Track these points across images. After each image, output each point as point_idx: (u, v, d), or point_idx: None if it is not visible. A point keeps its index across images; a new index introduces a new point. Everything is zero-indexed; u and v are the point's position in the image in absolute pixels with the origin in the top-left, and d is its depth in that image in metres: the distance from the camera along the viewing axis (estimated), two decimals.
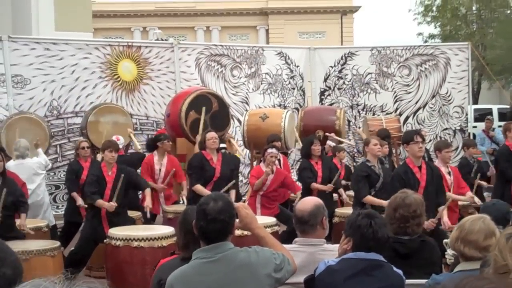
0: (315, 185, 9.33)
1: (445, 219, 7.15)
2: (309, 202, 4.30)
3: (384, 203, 7.36)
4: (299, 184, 9.98)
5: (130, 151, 11.05)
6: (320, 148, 9.75)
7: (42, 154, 9.62)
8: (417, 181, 7.23)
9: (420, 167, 7.34)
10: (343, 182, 10.17)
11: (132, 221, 8.22)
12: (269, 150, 9.25)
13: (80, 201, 9.02)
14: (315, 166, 9.52)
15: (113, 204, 7.73)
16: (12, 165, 8.82)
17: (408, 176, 7.25)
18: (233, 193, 8.86)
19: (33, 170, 9.20)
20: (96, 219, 7.95)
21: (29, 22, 16.67)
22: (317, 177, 9.45)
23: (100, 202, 7.83)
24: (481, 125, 25.57)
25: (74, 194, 9.25)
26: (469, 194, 8.41)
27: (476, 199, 8.41)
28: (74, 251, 8.20)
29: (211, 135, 8.89)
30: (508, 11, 38.81)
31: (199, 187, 8.55)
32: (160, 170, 9.56)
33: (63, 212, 10.12)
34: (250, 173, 9.90)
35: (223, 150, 9.85)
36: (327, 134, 11.53)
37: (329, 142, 11.19)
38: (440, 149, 8.40)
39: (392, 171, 8.49)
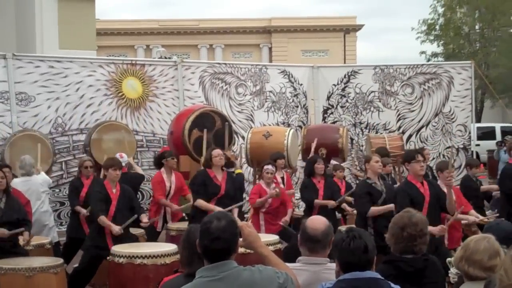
0: (317, 201, 9.33)
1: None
2: (322, 221, 4.29)
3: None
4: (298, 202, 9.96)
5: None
6: (323, 166, 9.74)
7: (43, 174, 9.63)
8: (421, 195, 7.28)
9: (422, 183, 7.40)
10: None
11: (135, 238, 8.22)
12: (266, 167, 9.29)
13: (84, 211, 9.04)
14: (317, 185, 9.51)
15: (118, 231, 7.72)
16: (18, 182, 8.84)
17: (413, 191, 7.29)
18: (235, 211, 8.85)
19: (39, 187, 9.21)
20: (99, 236, 7.94)
21: (33, 40, 16.79)
22: (318, 195, 9.44)
23: (103, 219, 7.81)
24: (484, 144, 25.72)
25: (77, 207, 9.29)
26: (473, 212, 8.44)
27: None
28: (78, 268, 8.19)
29: (217, 152, 8.86)
30: (511, 30, 38.94)
31: (201, 202, 8.53)
32: (170, 187, 9.59)
33: (66, 229, 10.13)
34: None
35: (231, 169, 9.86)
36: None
37: (332, 161, 11.17)
38: (442, 169, 8.39)
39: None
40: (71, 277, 7.90)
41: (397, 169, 11.56)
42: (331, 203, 9.31)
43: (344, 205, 9.71)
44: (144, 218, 8.16)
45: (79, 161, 9.90)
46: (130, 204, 8.08)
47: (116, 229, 7.73)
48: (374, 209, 7.60)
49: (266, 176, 9.26)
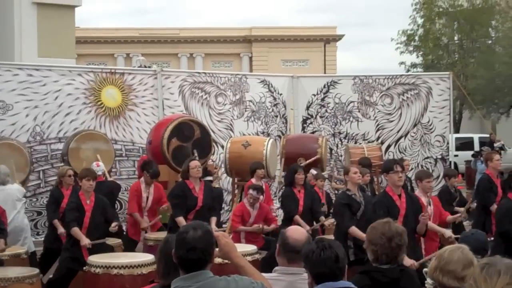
0: (298, 219, 9.24)
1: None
2: (303, 232, 4.31)
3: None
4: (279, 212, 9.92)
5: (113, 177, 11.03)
6: (304, 177, 9.74)
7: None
8: (397, 209, 7.28)
9: (399, 196, 7.40)
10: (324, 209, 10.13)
11: (111, 249, 8.17)
12: (250, 192, 9.26)
13: (61, 229, 9.00)
14: (298, 195, 9.50)
15: (86, 244, 7.67)
16: None
17: (389, 203, 7.29)
18: (213, 220, 8.83)
19: (14, 196, 9.13)
20: (75, 246, 7.88)
21: (12, 48, 16.68)
22: (298, 205, 9.43)
23: (76, 231, 7.76)
24: (462, 154, 25.91)
25: (56, 221, 9.22)
26: (449, 231, 8.44)
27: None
28: (53, 278, 8.13)
29: (195, 163, 8.85)
30: (489, 42, 39.36)
31: (181, 220, 8.49)
32: (147, 198, 9.52)
33: (43, 239, 10.05)
34: (231, 203, 9.85)
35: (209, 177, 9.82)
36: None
37: (312, 171, 11.16)
38: (421, 179, 8.42)
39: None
40: (46, 287, 7.83)
41: (375, 179, 11.60)
42: (307, 228, 9.07)
43: (322, 218, 9.59)
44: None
45: (60, 171, 9.73)
46: (104, 215, 8.04)
47: (85, 242, 7.69)
48: (354, 230, 7.52)
49: (249, 200, 9.28)
